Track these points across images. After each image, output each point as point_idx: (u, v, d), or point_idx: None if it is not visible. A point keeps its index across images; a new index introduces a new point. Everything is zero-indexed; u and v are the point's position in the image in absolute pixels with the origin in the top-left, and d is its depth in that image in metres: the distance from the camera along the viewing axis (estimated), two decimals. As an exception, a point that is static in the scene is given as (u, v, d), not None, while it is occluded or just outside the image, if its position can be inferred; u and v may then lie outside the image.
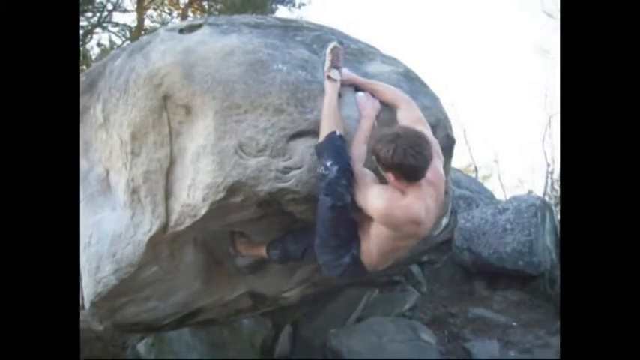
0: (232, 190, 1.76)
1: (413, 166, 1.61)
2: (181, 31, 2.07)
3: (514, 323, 4.61)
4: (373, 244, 1.79)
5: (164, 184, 1.90)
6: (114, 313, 2.35)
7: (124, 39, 7.21)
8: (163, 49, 1.92)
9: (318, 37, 2.18)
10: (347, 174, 1.70)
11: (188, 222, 1.91)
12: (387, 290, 4.88)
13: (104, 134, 2.08)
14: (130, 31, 7.29)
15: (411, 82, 2.12)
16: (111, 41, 7.07)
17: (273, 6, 7.60)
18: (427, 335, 4.08)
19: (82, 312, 2.31)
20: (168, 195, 1.91)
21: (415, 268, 5.31)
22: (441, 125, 2.08)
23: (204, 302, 2.99)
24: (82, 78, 2.33)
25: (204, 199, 1.79)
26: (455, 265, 5.53)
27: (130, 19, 8.03)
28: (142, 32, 7.00)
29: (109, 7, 7.27)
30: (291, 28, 2.23)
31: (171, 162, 1.89)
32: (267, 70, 1.82)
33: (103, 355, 4.26)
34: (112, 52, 2.38)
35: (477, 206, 5.77)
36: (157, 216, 1.93)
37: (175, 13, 7.96)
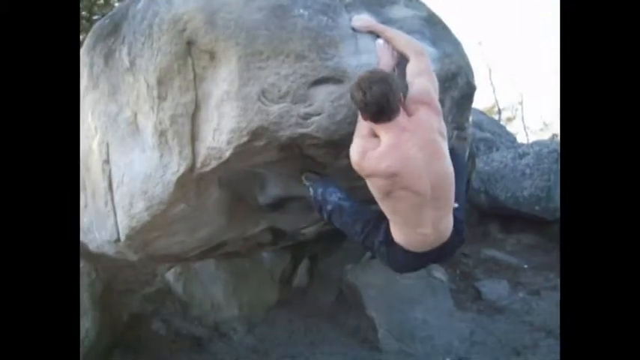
0: (255, 134, 1.87)
1: (373, 106, 1.68)
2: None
3: (525, 265, 4.73)
4: (387, 215, 1.87)
5: (190, 127, 2.01)
6: (146, 246, 2.58)
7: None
8: (185, -7, 1.94)
9: (340, -23, 2.14)
10: None
11: (214, 163, 2.04)
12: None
13: (131, 78, 2.17)
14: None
15: (434, 27, 2.11)
16: None
17: None
18: (439, 273, 4.23)
19: (117, 244, 2.55)
20: (194, 138, 2.03)
21: None
22: (462, 72, 2.10)
23: (228, 236, 3.20)
24: (106, 21, 2.38)
25: (228, 143, 1.91)
26: (471, 207, 5.59)
27: None
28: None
29: None
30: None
31: (197, 106, 1.98)
32: (289, 16, 1.85)
33: (135, 282, 4.63)
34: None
35: (497, 149, 5.75)
36: (184, 157, 2.06)
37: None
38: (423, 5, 2.25)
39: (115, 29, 2.31)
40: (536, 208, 4.91)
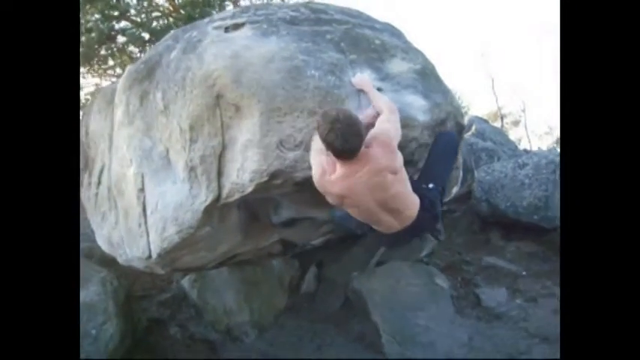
0: (274, 175, 2.34)
1: (339, 148, 2.04)
2: (227, 29, 2.53)
3: (524, 273, 4.94)
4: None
5: (217, 165, 2.47)
6: (173, 262, 3.06)
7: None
8: (215, 53, 2.41)
9: (347, 32, 2.60)
10: None
11: (237, 196, 2.51)
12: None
13: (164, 119, 2.64)
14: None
15: (426, 80, 2.55)
16: None
17: None
18: (441, 280, 4.54)
19: (148, 260, 3.02)
20: (220, 174, 2.50)
21: None
22: (450, 116, 2.55)
23: (243, 250, 3.66)
24: (141, 66, 2.85)
25: (250, 180, 2.38)
26: (473, 215, 5.90)
27: None
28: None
29: None
30: (322, 21, 2.65)
31: (223, 148, 2.45)
32: (303, 77, 2.31)
33: (152, 288, 5.06)
34: (165, 41, 2.83)
35: (498, 159, 6.12)
36: (211, 190, 2.53)
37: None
38: (418, 55, 2.70)
39: (149, 74, 2.77)
40: (535, 217, 5.24)
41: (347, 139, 2.01)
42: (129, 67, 3.06)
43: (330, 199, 2.25)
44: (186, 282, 4.82)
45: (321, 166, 2.18)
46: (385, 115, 2.26)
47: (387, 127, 2.20)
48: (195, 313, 4.62)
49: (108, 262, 4.90)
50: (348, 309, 4.42)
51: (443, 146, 2.46)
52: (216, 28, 2.60)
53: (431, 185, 2.36)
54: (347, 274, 4.61)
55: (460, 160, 2.92)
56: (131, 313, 4.43)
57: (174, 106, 2.56)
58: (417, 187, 2.33)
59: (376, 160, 2.12)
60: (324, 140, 2.06)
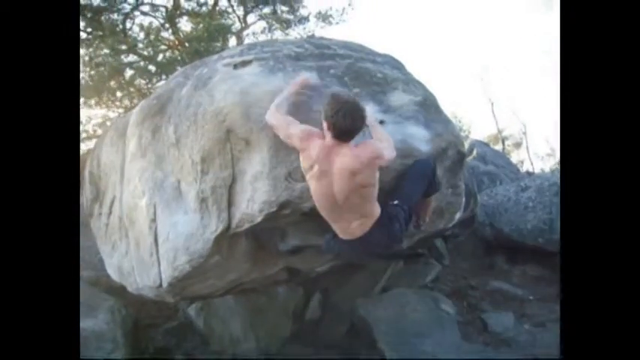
0: (283, 205, 2.45)
1: (343, 127, 2.22)
2: (235, 66, 2.68)
3: (531, 297, 4.96)
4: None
5: (227, 196, 2.59)
6: (183, 290, 3.14)
7: (162, 20, 7.84)
8: (225, 89, 2.56)
9: (349, 66, 2.75)
10: None
11: (246, 225, 2.62)
12: (411, 262, 5.36)
13: (176, 152, 2.77)
14: (167, 12, 7.90)
15: (427, 111, 2.69)
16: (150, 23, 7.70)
17: None
18: (447, 306, 4.57)
19: (159, 289, 3.09)
20: (230, 204, 2.61)
21: (439, 242, 5.78)
22: (451, 146, 2.68)
23: (250, 278, 3.73)
24: (153, 101, 3.00)
25: (260, 211, 2.49)
26: (477, 240, 5.95)
27: (165, 0, 8.70)
28: (177, 12, 7.59)
29: None
30: (325, 56, 2.80)
31: (233, 180, 2.57)
32: (309, 112, 2.44)
33: (158, 316, 5.10)
34: (175, 77, 2.99)
35: (500, 183, 6.22)
36: (221, 220, 2.64)
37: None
38: (419, 87, 2.85)
39: (161, 109, 2.93)
40: (540, 240, 5.27)
41: (354, 119, 2.22)
42: (142, 103, 3.22)
43: (303, 160, 2.34)
44: (192, 310, 4.86)
45: (308, 133, 2.32)
46: (383, 143, 2.40)
47: (380, 146, 2.35)
48: (201, 342, 4.65)
49: (114, 290, 4.96)
50: (353, 336, 4.43)
51: (416, 170, 2.55)
52: (225, 65, 2.76)
53: (395, 202, 2.46)
54: (351, 300, 4.63)
55: (462, 185, 3.02)
56: (138, 342, 4.49)
57: (185, 139, 2.69)
58: (382, 203, 2.43)
59: (358, 159, 2.26)
60: (331, 117, 2.22)
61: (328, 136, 2.28)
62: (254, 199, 2.49)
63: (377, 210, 2.40)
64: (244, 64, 2.69)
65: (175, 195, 2.81)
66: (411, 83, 2.86)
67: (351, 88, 2.62)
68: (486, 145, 7.60)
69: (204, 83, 2.71)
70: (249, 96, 2.50)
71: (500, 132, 13.30)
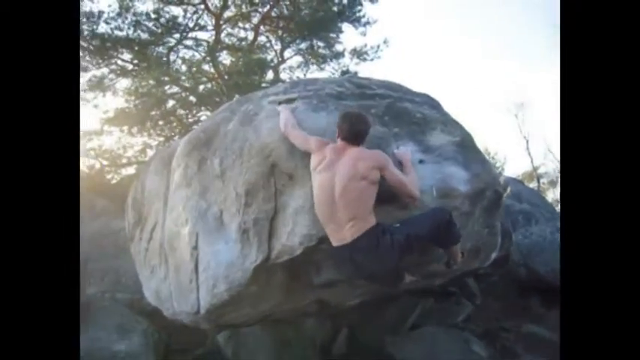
0: (322, 240, 2.54)
1: (350, 128, 2.52)
2: (280, 103, 2.83)
3: None
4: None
5: (268, 228, 2.70)
6: (219, 318, 3.22)
7: (203, 54, 8.30)
8: (270, 127, 2.71)
9: (389, 106, 2.87)
10: None
11: (285, 257, 2.70)
12: (442, 301, 5.29)
13: (220, 184, 2.91)
14: (209, 46, 8.37)
15: (465, 151, 2.77)
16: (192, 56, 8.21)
17: (340, 25, 8.43)
18: (479, 347, 4.48)
19: (196, 315, 3.18)
20: (271, 236, 2.70)
21: (470, 281, 5.68)
22: (489, 186, 2.73)
23: (282, 308, 3.78)
24: (201, 134, 3.17)
25: (300, 244, 2.58)
26: (510, 280, 5.85)
27: (207, 35, 9.24)
28: (218, 46, 8.02)
29: (190, 24, 8.37)
30: (366, 96, 2.93)
31: (275, 212, 2.68)
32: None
33: (188, 342, 5.18)
34: (221, 112, 3.17)
35: (536, 222, 6.11)
36: (261, 251, 2.73)
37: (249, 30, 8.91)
38: (457, 128, 2.93)
39: (207, 142, 3.09)
40: (577, 283, 5.18)
41: (357, 122, 2.55)
42: (189, 135, 3.40)
43: (313, 159, 2.55)
44: (221, 338, 4.94)
45: (323, 139, 2.61)
46: (405, 176, 2.56)
47: (400, 174, 2.54)
48: (229, 371, 4.74)
49: (146, 314, 5.09)
50: (381, 374, 4.37)
51: (430, 214, 2.58)
52: (270, 102, 2.92)
53: (397, 225, 2.51)
54: (379, 336, 4.61)
55: (498, 225, 3.04)
56: (169, 367, 4.56)
57: (231, 172, 2.83)
58: (385, 224, 2.49)
59: (363, 152, 2.52)
60: (340, 123, 2.57)
61: (339, 140, 2.57)
62: (295, 232, 2.58)
63: (372, 218, 2.47)
64: (288, 102, 2.84)
65: (217, 225, 2.94)
66: (449, 123, 2.95)
67: (392, 128, 2.72)
68: (520, 182, 7.52)
69: (250, 119, 2.87)
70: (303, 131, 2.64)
71: (535, 169, 13.11)
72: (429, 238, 2.57)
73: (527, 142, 13.12)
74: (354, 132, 2.53)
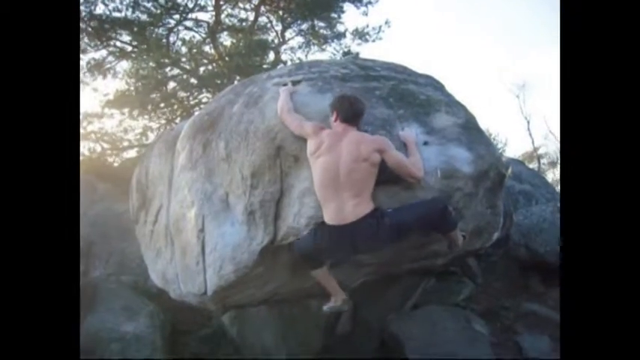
0: None
1: (348, 109, 2.57)
2: (285, 85, 2.84)
3: None
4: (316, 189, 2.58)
5: (274, 210, 2.73)
6: (225, 299, 3.28)
7: (204, 35, 8.20)
8: (276, 108, 2.71)
9: (394, 88, 2.87)
10: None
11: (291, 239, 2.75)
12: (443, 280, 5.34)
13: (226, 166, 2.94)
14: (209, 27, 8.27)
15: (469, 133, 2.78)
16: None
17: (342, 4, 8.33)
18: (480, 326, 4.52)
19: (203, 297, 3.24)
20: (277, 217, 2.74)
21: (471, 261, 5.74)
22: (492, 167, 2.76)
23: (288, 289, 3.84)
24: (205, 117, 3.18)
25: (306, 225, 2.62)
26: (510, 260, 5.88)
27: (207, 16, 9.12)
28: (218, 27, 7.92)
29: (190, 5, 8.26)
30: (370, 78, 2.93)
31: (281, 194, 2.72)
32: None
33: (193, 323, 5.26)
34: (226, 94, 3.17)
35: (536, 202, 6.12)
36: (267, 233, 2.77)
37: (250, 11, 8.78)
38: (461, 109, 2.94)
39: (212, 124, 3.11)
40: (577, 263, 5.24)
41: (353, 102, 2.59)
42: (193, 117, 3.41)
43: (310, 145, 2.58)
44: (226, 318, 5.00)
45: (319, 124, 2.64)
46: (407, 157, 2.60)
47: (401, 156, 2.58)
48: (234, 351, 4.78)
49: (151, 295, 5.16)
50: (384, 352, 4.46)
51: (424, 204, 2.64)
52: (275, 84, 2.92)
53: (389, 210, 2.57)
54: (382, 315, 4.66)
55: (501, 206, 3.07)
56: (174, 348, 4.64)
57: (236, 154, 2.85)
58: (382, 208, 2.56)
59: (365, 136, 2.57)
60: (335, 105, 2.61)
61: (336, 123, 2.60)
62: (301, 214, 2.62)
63: (371, 202, 2.54)
64: (293, 84, 2.85)
65: (224, 207, 2.97)
66: (453, 105, 2.96)
67: (396, 110, 2.74)
68: (521, 163, 7.51)
69: (255, 101, 2.88)
70: (299, 115, 2.65)
71: (535, 150, 13.14)
72: (418, 226, 2.66)
73: (529, 122, 13.20)
74: (354, 112, 2.58)
